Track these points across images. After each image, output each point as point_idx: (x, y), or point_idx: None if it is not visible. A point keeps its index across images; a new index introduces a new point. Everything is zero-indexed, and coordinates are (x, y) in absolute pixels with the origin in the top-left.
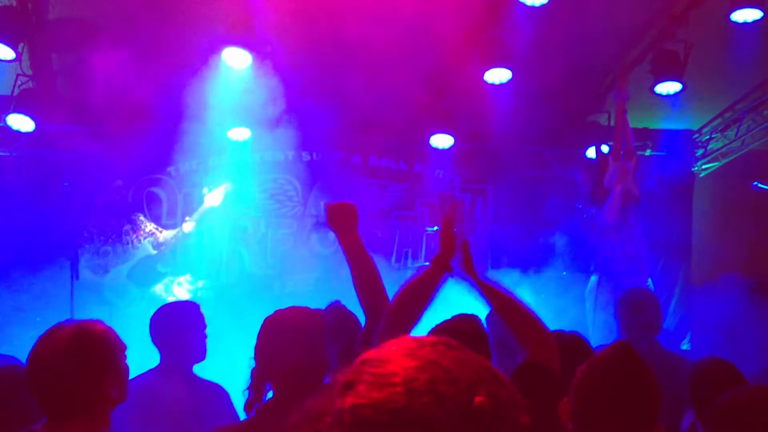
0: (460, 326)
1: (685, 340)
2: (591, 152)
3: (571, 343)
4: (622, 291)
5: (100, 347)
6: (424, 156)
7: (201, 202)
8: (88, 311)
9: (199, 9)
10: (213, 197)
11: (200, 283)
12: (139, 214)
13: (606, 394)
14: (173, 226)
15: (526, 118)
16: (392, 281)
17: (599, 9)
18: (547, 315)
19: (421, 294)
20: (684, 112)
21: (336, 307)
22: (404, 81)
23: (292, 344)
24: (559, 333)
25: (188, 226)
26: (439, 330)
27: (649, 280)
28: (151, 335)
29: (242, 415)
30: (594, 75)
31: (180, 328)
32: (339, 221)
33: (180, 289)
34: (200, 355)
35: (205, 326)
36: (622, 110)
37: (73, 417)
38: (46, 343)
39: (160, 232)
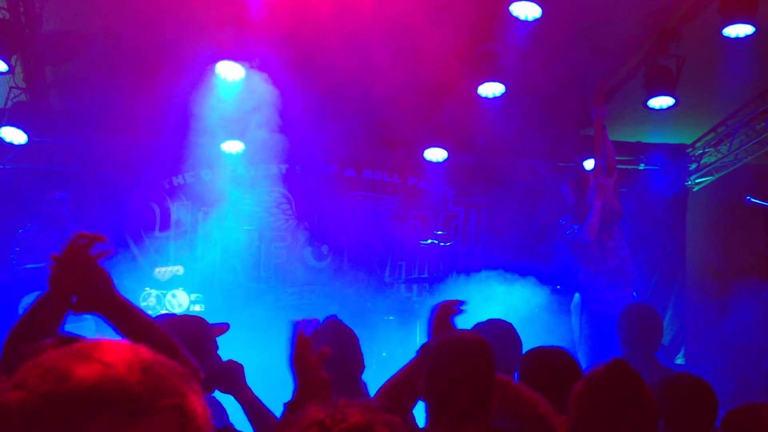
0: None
1: (680, 354)
2: (589, 164)
3: (557, 358)
4: (609, 306)
5: None
6: (418, 169)
7: (196, 215)
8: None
9: (193, 23)
10: (162, 273)
11: (193, 296)
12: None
13: (605, 412)
14: (165, 239)
15: (519, 131)
16: (385, 295)
17: (592, 24)
18: (539, 329)
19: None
20: (677, 126)
21: (332, 322)
22: (398, 94)
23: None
24: (543, 348)
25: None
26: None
27: (634, 293)
28: None
29: (238, 426)
30: (587, 89)
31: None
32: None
33: (173, 302)
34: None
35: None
36: (600, 126)
37: None
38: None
39: None
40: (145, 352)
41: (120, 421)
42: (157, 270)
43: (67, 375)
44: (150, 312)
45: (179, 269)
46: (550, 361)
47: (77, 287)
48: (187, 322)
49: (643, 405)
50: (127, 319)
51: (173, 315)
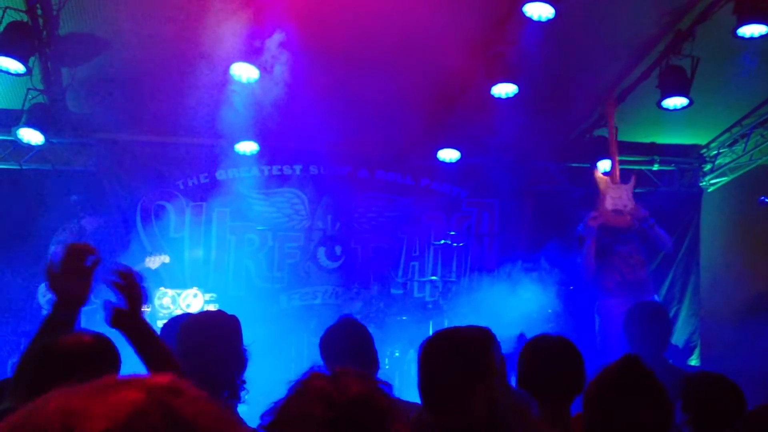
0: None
1: (694, 356)
2: (604, 165)
3: (557, 346)
4: (628, 307)
5: (114, 348)
6: (431, 170)
7: (210, 215)
8: None
9: (209, 25)
10: (151, 261)
11: (207, 296)
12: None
13: (618, 409)
14: (180, 240)
15: (532, 132)
16: (398, 296)
17: (606, 24)
18: (552, 331)
19: None
20: (691, 127)
21: (347, 320)
22: (412, 95)
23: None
24: (544, 336)
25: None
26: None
27: (655, 296)
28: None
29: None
30: (601, 90)
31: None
32: None
33: (187, 302)
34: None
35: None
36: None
37: None
38: (67, 340)
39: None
40: None
41: None
42: (147, 259)
43: None
44: (165, 311)
45: (166, 258)
46: (548, 346)
47: (74, 289)
48: (220, 320)
49: (656, 399)
50: (145, 339)
51: (189, 314)
